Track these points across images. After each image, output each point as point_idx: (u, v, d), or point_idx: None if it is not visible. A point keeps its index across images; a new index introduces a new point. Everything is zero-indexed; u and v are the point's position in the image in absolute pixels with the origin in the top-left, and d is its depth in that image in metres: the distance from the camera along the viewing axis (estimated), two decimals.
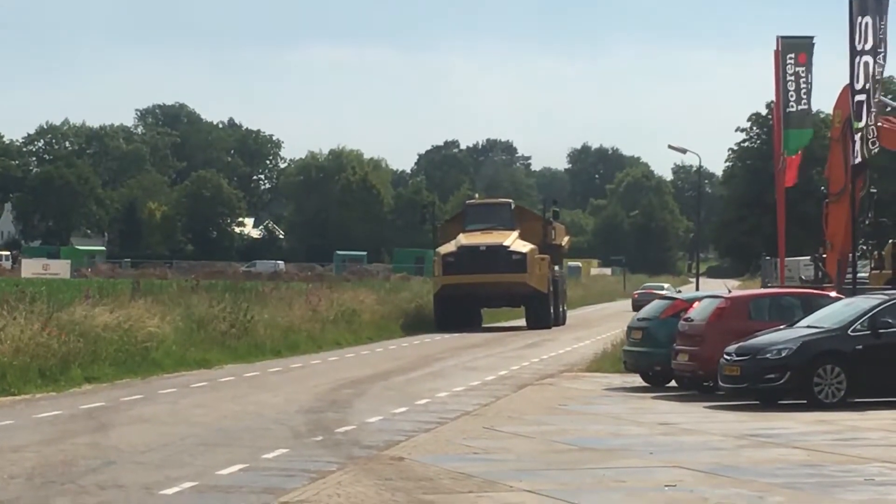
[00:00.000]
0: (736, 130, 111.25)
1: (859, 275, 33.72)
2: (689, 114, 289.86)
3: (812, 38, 36.27)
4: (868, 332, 21.88)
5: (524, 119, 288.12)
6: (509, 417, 20.58)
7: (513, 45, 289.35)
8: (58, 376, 25.53)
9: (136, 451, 16.56)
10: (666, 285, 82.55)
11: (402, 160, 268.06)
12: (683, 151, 71.77)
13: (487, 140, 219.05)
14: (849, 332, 21.93)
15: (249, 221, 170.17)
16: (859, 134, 30.56)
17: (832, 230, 33.35)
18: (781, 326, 23.06)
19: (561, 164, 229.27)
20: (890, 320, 22.02)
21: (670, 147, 70.93)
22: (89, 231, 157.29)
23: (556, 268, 56.14)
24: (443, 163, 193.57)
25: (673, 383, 25.83)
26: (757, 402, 22.18)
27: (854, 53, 30.01)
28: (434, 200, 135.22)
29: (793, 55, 35.43)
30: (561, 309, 56.33)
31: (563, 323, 55.99)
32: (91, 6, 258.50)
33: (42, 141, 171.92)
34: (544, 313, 52.55)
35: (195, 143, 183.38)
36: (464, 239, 52.28)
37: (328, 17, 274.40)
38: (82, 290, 36.65)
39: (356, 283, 66.19)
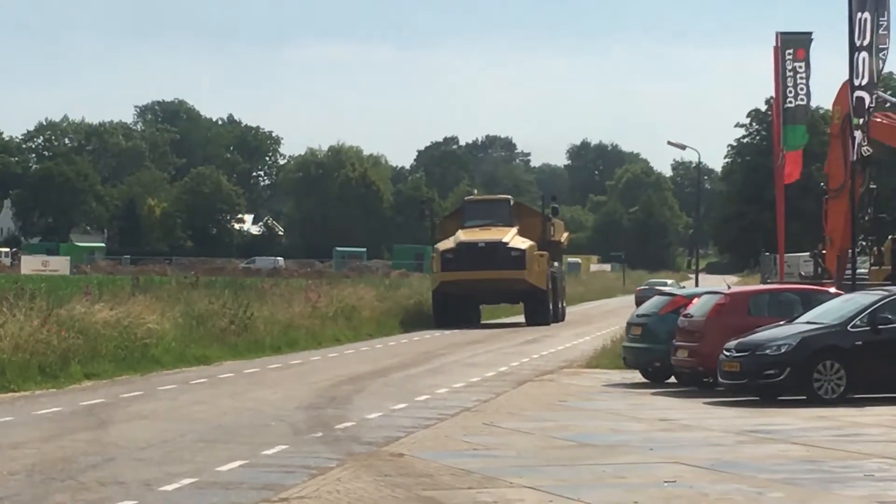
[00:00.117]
0: (735, 126, 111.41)
1: (859, 271, 33.69)
2: (688, 110, 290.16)
3: (811, 33, 36.30)
4: (867, 328, 21.87)
5: (523, 115, 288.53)
6: (509, 413, 20.58)
7: (512, 41, 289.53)
8: (57, 373, 25.54)
9: (136, 447, 16.56)
10: (669, 281, 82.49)
11: (402, 157, 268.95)
12: (683, 147, 71.67)
13: (487, 136, 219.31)
14: (848, 328, 21.93)
15: (249, 218, 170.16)
16: (859, 130, 30.56)
17: (832, 226, 33.34)
18: (781, 322, 23.06)
19: (560, 160, 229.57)
20: (889, 316, 22.02)
21: (670, 143, 70.89)
22: (89, 228, 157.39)
23: (556, 264, 56.15)
24: (442, 159, 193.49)
25: (672, 379, 25.84)
26: (756, 398, 22.17)
27: (853, 49, 29.99)
28: (433, 197, 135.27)
29: (791, 51, 35.44)
30: (560, 305, 56.32)
31: (563, 319, 55.99)
32: (90, 3, 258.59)
33: (42, 137, 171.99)
34: (543, 310, 52.55)
35: (194, 140, 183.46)
36: (463, 235, 52.27)
37: (327, 14, 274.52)
38: (82, 287, 36.66)
39: (356, 280, 66.16)
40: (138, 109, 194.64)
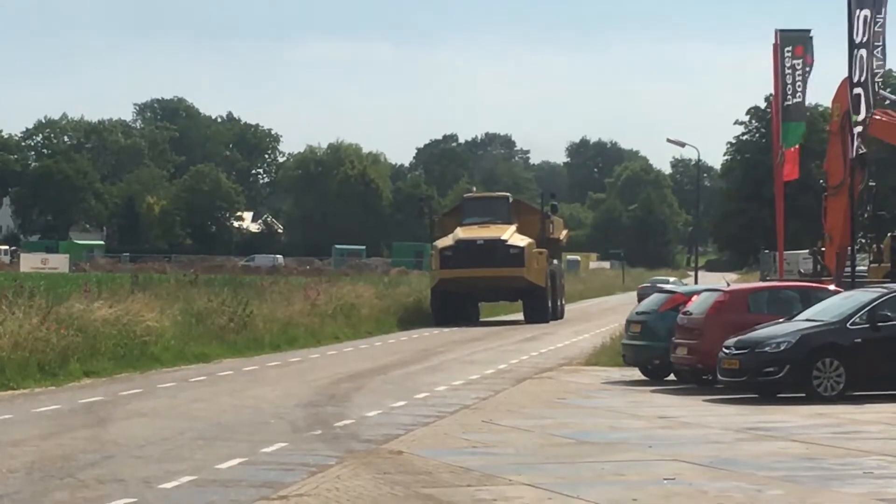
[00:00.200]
0: (734, 124, 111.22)
1: (858, 268, 33.73)
2: (687, 107, 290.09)
3: (809, 30, 36.30)
4: (867, 325, 21.88)
5: (523, 113, 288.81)
6: (508, 411, 20.58)
7: (511, 38, 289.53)
8: (56, 370, 25.53)
9: (135, 445, 16.56)
10: (672, 279, 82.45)
11: (401, 154, 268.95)
12: (682, 145, 71.69)
13: (486, 134, 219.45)
14: (847, 325, 21.94)
15: (248, 216, 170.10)
16: (858, 127, 30.56)
17: (831, 223, 33.36)
18: (780, 320, 23.06)
19: (559, 157, 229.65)
20: (889, 313, 22.03)
21: (669, 140, 70.87)
22: (88, 225, 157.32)
23: (554, 261, 56.08)
24: (441, 157, 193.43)
25: (672, 377, 25.84)
26: (756, 396, 22.18)
27: (852, 46, 29.99)
28: (432, 195, 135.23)
29: (790, 48, 35.44)
30: (559, 303, 56.28)
31: (562, 317, 55.96)
32: (90, 1, 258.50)
33: (41, 135, 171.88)
34: (542, 307, 52.51)
35: (194, 138, 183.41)
36: (461, 233, 52.23)
37: (326, 12, 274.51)
38: (81, 285, 36.63)
39: (355, 278, 66.15)
40: (137, 107, 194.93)
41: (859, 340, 21.76)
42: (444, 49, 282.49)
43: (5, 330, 25.38)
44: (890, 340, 21.75)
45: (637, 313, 27.50)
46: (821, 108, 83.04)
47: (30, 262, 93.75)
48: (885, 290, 22.97)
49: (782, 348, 21.66)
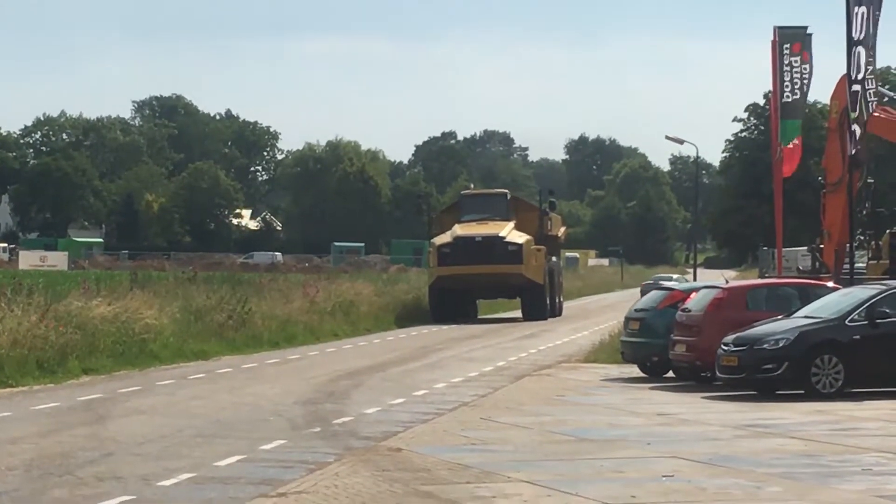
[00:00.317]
0: (733, 121, 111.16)
1: (857, 265, 33.72)
2: (686, 104, 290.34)
3: (807, 27, 36.30)
4: (865, 322, 21.88)
5: (521, 110, 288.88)
6: (507, 408, 20.58)
7: (510, 35, 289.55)
8: (55, 368, 25.54)
9: (134, 442, 16.56)
10: (675, 276, 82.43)
11: (400, 151, 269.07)
12: (681, 142, 71.79)
13: (485, 131, 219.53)
14: (846, 322, 21.94)
15: (247, 213, 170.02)
16: (856, 124, 30.56)
17: (829, 220, 33.35)
18: (779, 317, 23.06)
19: (558, 154, 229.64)
20: (887, 310, 22.03)
21: (667, 138, 70.97)
22: (87, 223, 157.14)
23: (553, 258, 56.07)
24: (440, 154, 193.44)
25: (670, 374, 25.83)
26: (754, 393, 22.19)
27: (851, 43, 29.99)
28: (431, 192, 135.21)
29: (788, 45, 35.42)
30: (557, 300, 56.27)
31: (560, 314, 55.94)
32: None
33: (39, 133, 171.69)
34: (540, 304, 52.48)
35: (192, 135, 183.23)
36: (459, 230, 52.20)
37: (325, 9, 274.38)
38: (80, 282, 36.62)
39: (354, 275, 66.11)
40: (136, 104, 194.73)
41: (858, 337, 21.76)
42: (442, 46, 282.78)
43: (4, 327, 25.38)
44: (888, 337, 21.74)
45: (636, 310, 27.50)
46: (819, 106, 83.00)
47: (28, 260, 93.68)
48: (883, 287, 22.97)
49: (781, 345, 21.66)
